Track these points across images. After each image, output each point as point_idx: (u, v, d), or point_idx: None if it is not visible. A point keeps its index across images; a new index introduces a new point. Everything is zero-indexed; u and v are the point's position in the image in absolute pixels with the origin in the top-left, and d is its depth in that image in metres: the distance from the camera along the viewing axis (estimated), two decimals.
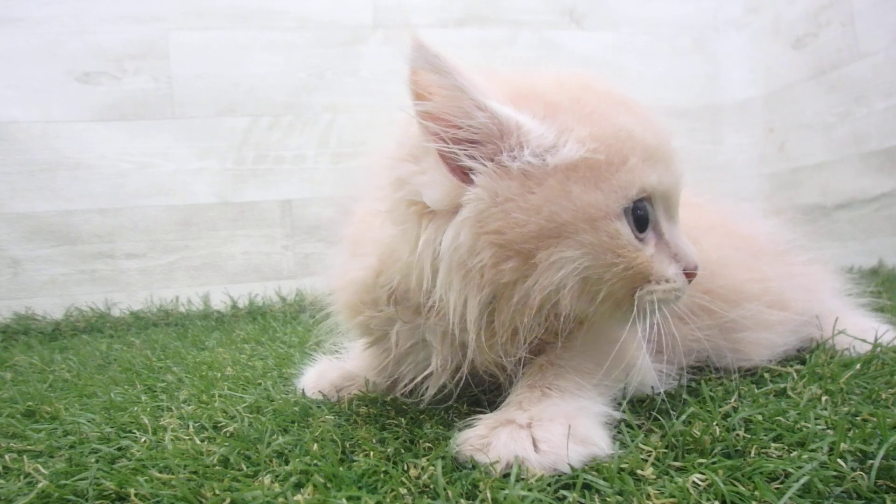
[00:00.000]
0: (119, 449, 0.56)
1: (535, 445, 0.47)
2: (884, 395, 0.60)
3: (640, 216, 0.52)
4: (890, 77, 1.61)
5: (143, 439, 0.58)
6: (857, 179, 1.71)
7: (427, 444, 0.52)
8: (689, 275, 0.55)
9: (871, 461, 0.44)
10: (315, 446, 0.52)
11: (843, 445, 0.46)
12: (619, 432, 0.52)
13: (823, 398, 0.60)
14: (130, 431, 0.62)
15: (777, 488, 0.42)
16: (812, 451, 0.47)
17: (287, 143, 1.92)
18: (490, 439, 0.48)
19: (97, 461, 0.53)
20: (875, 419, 0.52)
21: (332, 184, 1.92)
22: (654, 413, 0.57)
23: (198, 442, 0.56)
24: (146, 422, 0.63)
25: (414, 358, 0.61)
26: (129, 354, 1.17)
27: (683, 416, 0.54)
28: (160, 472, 0.49)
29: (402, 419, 0.60)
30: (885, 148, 1.65)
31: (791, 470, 0.43)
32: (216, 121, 1.88)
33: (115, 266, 1.82)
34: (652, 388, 0.61)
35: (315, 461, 0.49)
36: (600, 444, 0.48)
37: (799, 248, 0.81)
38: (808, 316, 0.78)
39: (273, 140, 1.91)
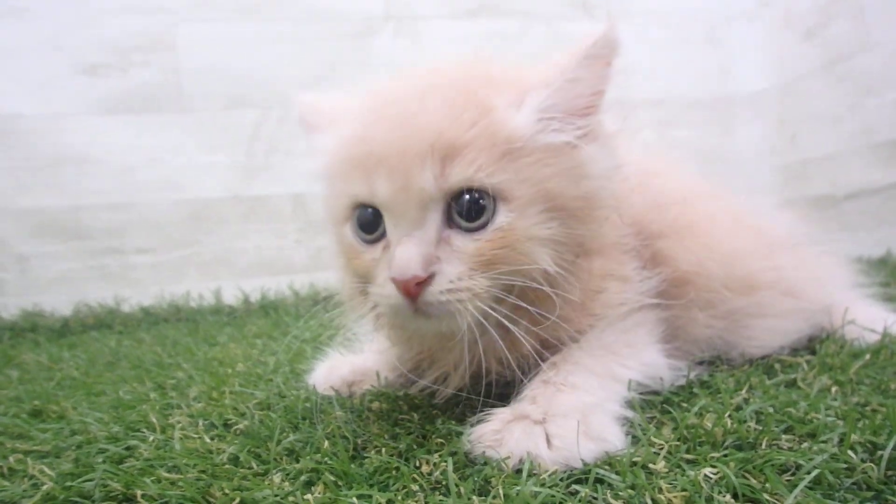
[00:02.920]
0: (127, 448, 0.56)
1: (548, 441, 0.47)
2: (893, 386, 0.59)
3: (362, 222, 0.55)
4: None
5: (151, 438, 0.58)
6: (866, 170, 1.70)
7: (440, 440, 0.52)
8: (405, 286, 0.49)
9: (880, 452, 0.44)
10: (326, 443, 0.52)
11: (853, 437, 0.46)
12: (631, 426, 0.52)
13: (833, 389, 0.60)
14: (139, 430, 0.62)
15: (788, 480, 0.42)
16: (822, 442, 0.47)
17: (298, 136, 1.91)
18: (503, 434, 0.48)
19: (104, 461, 0.52)
20: (884, 409, 0.52)
21: None
22: (666, 406, 0.58)
23: (207, 440, 0.56)
24: (155, 420, 0.63)
25: (436, 360, 0.61)
26: (139, 351, 1.17)
27: (696, 409, 0.54)
28: (168, 472, 0.49)
29: (415, 414, 0.60)
30: (894, 139, 1.63)
31: (802, 462, 0.43)
32: (226, 114, 1.87)
33: (124, 262, 1.81)
34: (661, 379, 0.61)
35: (326, 459, 0.49)
36: (613, 440, 0.48)
37: (812, 240, 0.81)
38: (820, 305, 0.78)
39: (284, 133, 1.90)
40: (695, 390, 0.62)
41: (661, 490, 0.41)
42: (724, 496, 0.40)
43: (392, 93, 0.55)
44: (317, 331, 0.96)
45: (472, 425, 0.51)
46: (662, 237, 0.65)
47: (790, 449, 0.46)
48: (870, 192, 1.70)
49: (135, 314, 1.66)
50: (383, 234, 0.53)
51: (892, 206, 1.65)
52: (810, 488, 0.40)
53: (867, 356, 0.68)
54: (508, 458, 0.46)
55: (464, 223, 0.51)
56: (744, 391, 0.60)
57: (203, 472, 0.49)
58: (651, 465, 0.45)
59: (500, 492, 0.42)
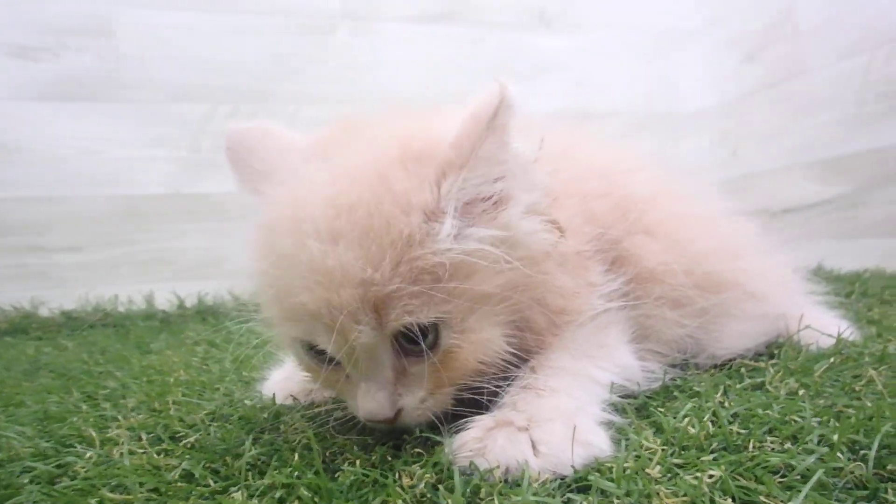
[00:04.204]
0: (59, 466, 0.50)
1: (534, 448, 0.45)
2: (856, 388, 0.61)
3: (312, 351, 0.53)
4: (831, 92, 1.72)
5: (88, 454, 0.52)
6: (802, 186, 1.81)
7: (416, 450, 0.49)
8: (377, 423, 0.52)
9: (863, 451, 0.44)
10: (296, 456, 0.47)
11: (837, 437, 0.46)
12: (617, 431, 0.51)
13: (801, 391, 0.61)
14: (72, 445, 0.55)
15: (780, 482, 0.41)
16: (805, 443, 0.46)
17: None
18: (486, 443, 0.46)
19: (32, 481, 0.47)
20: (853, 411, 0.53)
21: None
22: (644, 410, 0.57)
23: (154, 455, 0.51)
24: (91, 434, 0.57)
25: None
26: (63, 358, 1.08)
27: (682, 412, 0.53)
28: (112, 492, 0.43)
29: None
30: (826, 158, 1.75)
31: (794, 463, 0.43)
32: (170, 106, 1.75)
33: (48, 260, 1.66)
34: (638, 384, 0.60)
35: (296, 472, 0.45)
36: (600, 444, 0.47)
37: (773, 247, 0.84)
38: (781, 310, 0.80)
39: None
40: (675, 394, 0.61)
41: (658, 495, 0.39)
42: (725, 500, 0.39)
43: (304, 221, 0.48)
44: (264, 337, 0.90)
45: (450, 433, 0.48)
46: (630, 235, 0.64)
47: (773, 450, 0.46)
48: (805, 207, 1.81)
49: (55, 318, 1.52)
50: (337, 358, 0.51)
51: (825, 220, 1.76)
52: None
53: (831, 359, 0.70)
54: (497, 466, 0.43)
55: (413, 347, 0.50)
56: (718, 395, 0.60)
57: (154, 490, 0.44)
58: (647, 471, 0.43)
59: (496, 503, 0.39)
